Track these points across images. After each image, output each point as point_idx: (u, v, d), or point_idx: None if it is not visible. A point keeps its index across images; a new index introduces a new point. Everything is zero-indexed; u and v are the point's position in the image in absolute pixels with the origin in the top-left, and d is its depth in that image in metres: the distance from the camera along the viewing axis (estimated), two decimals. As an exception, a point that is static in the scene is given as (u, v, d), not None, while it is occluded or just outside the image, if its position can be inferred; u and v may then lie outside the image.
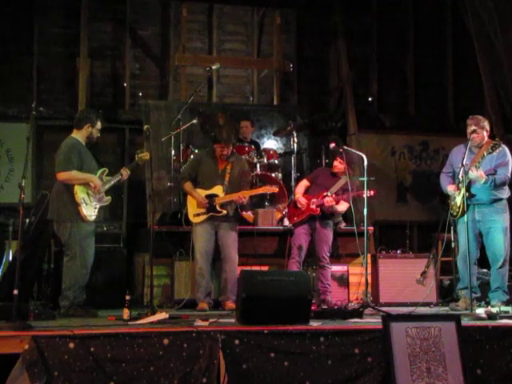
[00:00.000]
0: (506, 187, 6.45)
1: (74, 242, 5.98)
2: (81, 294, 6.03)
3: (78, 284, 5.99)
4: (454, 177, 6.58)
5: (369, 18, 10.01)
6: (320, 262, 6.91)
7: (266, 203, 7.99)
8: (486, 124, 6.47)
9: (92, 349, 4.37)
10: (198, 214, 6.70)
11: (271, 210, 7.69)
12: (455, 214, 6.44)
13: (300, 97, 9.83)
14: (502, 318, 5.53)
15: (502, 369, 4.87)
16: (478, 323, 5.22)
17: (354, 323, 5.29)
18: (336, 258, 7.53)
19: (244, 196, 6.70)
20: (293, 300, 5.03)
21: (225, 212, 6.63)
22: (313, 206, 6.88)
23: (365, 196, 6.51)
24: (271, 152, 8.21)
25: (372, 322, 5.24)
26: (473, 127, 6.36)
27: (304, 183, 7.19)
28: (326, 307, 6.51)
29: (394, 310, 6.09)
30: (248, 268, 6.81)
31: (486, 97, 9.27)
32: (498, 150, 6.26)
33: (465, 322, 5.09)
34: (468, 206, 6.36)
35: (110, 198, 6.27)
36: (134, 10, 9.41)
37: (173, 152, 7.63)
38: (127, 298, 5.28)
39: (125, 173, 6.36)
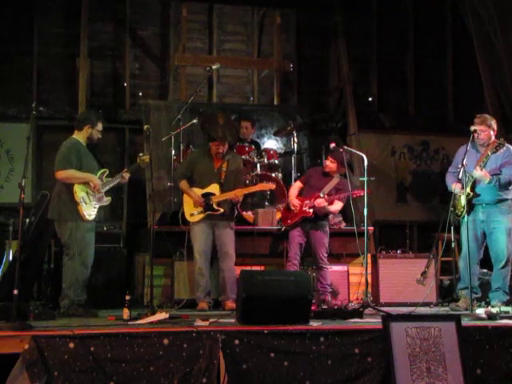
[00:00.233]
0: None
1: (73, 241, 5.99)
2: (81, 293, 6.04)
3: (79, 283, 6.00)
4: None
5: (369, 18, 10.00)
6: (318, 263, 6.91)
7: (266, 203, 7.99)
8: (493, 123, 6.44)
9: (92, 349, 4.37)
10: (194, 214, 6.70)
11: (271, 210, 7.69)
12: (459, 213, 6.44)
13: (300, 97, 9.82)
14: (502, 318, 5.53)
15: (502, 369, 4.88)
16: (478, 323, 5.23)
17: (354, 323, 5.29)
18: (336, 258, 7.53)
19: (241, 194, 6.71)
20: (293, 300, 5.03)
21: (222, 210, 6.65)
22: (305, 208, 6.86)
23: (365, 196, 6.51)
24: (271, 152, 8.21)
25: (372, 321, 5.24)
26: (474, 127, 6.35)
27: (297, 185, 7.20)
28: (325, 307, 6.51)
29: (394, 310, 6.10)
30: (248, 268, 6.82)
31: (486, 97, 9.26)
32: (502, 150, 6.25)
33: (465, 322, 5.09)
34: (473, 205, 6.37)
35: (110, 198, 6.28)
36: (134, 10, 9.40)
37: (173, 152, 7.63)
38: (127, 298, 5.29)
39: (126, 175, 6.39)
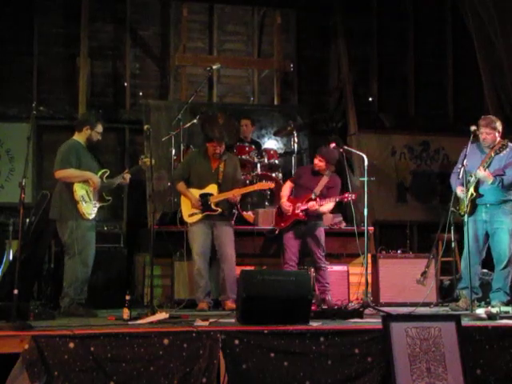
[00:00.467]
0: None
1: (74, 239, 5.99)
2: (82, 292, 6.05)
3: (79, 281, 6.01)
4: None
5: (369, 18, 10.00)
6: (316, 263, 6.90)
7: (266, 203, 7.99)
8: (498, 125, 6.42)
9: (92, 349, 4.37)
10: (192, 214, 6.71)
11: (271, 210, 7.67)
12: (463, 213, 6.44)
13: (300, 97, 9.83)
14: (502, 318, 5.53)
15: (502, 369, 4.87)
16: (478, 323, 5.22)
17: (354, 323, 5.29)
18: (336, 258, 7.53)
19: (238, 194, 6.71)
20: (293, 300, 5.02)
21: (220, 210, 6.65)
22: (298, 211, 6.85)
23: (365, 196, 6.51)
24: (272, 152, 8.22)
25: (372, 321, 5.24)
26: (478, 129, 6.34)
27: (288, 185, 7.14)
28: (326, 307, 6.51)
29: (394, 310, 6.10)
30: (248, 268, 6.82)
31: (487, 97, 9.27)
32: (505, 151, 6.26)
33: (465, 322, 5.09)
34: (476, 206, 6.37)
35: (110, 197, 6.30)
36: (135, 10, 9.41)
37: (173, 152, 7.63)
38: (127, 298, 5.29)
39: (127, 176, 6.41)
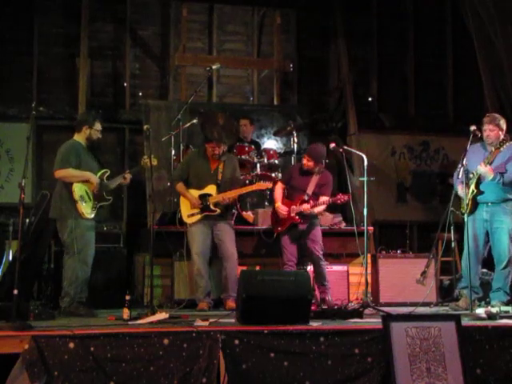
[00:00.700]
0: None
1: (73, 239, 6.00)
2: (82, 291, 6.06)
3: (79, 280, 6.02)
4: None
5: (369, 18, 10.00)
6: (316, 262, 6.87)
7: (266, 203, 7.99)
8: (502, 122, 6.42)
9: (92, 349, 4.37)
10: (191, 215, 6.71)
11: (271, 210, 7.67)
12: (464, 211, 6.44)
13: (300, 97, 9.83)
14: (501, 317, 5.53)
15: (502, 369, 4.88)
16: (478, 323, 5.22)
17: (354, 323, 5.29)
18: (336, 258, 7.53)
19: (236, 194, 6.71)
20: (293, 300, 5.02)
21: (219, 210, 6.65)
22: (293, 214, 6.82)
23: (365, 196, 6.51)
24: (271, 152, 8.21)
25: (372, 321, 5.24)
26: (475, 127, 6.34)
27: (280, 186, 7.05)
28: (326, 307, 6.50)
29: (394, 310, 6.09)
30: (248, 268, 6.82)
31: (487, 97, 9.27)
32: (505, 146, 6.26)
33: (465, 322, 5.09)
34: (477, 204, 6.37)
35: (110, 197, 6.30)
36: (135, 10, 9.40)
37: (173, 152, 7.63)
38: (127, 298, 5.29)
39: (128, 176, 6.42)
